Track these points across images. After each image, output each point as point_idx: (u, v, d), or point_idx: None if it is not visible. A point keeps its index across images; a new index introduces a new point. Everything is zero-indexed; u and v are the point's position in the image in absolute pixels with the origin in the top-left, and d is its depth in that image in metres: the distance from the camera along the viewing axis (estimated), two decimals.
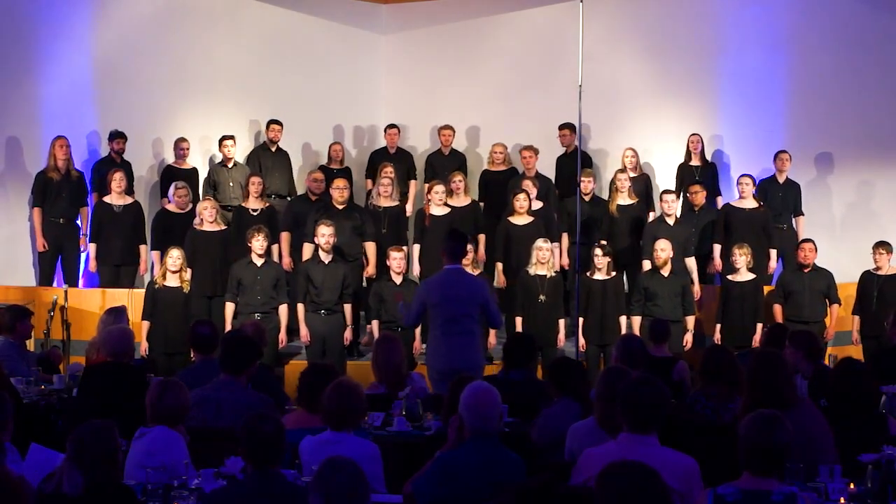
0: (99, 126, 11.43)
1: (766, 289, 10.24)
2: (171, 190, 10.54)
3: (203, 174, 11.69)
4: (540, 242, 9.66)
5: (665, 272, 9.77)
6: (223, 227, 10.14)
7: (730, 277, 10.01)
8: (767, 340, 8.04)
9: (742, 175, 10.91)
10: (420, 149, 12.93)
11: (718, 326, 9.93)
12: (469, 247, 9.58)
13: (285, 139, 12.00)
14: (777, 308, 10.00)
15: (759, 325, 9.82)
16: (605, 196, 11.33)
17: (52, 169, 10.47)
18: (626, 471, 3.55)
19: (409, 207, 11.87)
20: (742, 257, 9.85)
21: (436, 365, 7.64)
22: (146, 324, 9.43)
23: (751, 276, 9.93)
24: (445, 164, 11.98)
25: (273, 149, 11.88)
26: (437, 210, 10.48)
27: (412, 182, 12.17)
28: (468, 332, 7.63)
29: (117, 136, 10.99)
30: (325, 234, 9.47)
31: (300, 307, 9.53)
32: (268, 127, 11.89)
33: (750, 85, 12.01)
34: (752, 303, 9.91)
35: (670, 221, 10.37)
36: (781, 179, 11.12)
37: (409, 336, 9.48)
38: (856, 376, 5.56)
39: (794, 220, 11.13)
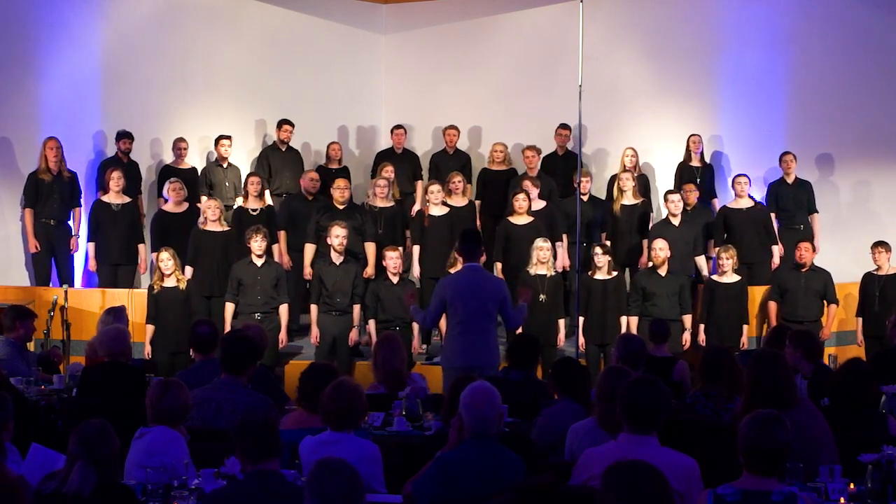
0: (101, 126, 11.43)
1: (758, 290, 10.22)
2: (166, 186, 10.51)
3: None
4: (540, 242, 9.65)
5: (662, 272, 9.77)
6: (226, 228, 10.12)
7: (715, 278, 10.02)
8: (769, 341, 8.03)
9: (738, 175, 10.91)
10: (421, 149, 12.91)
11: (702, 326, 9.92)
12: None
13: None
14: (772, 305, 10.02)
15: (745, 327, 9.87)
16: (601, 196, 11.32)
17: (43, 170, 10.42)
18: (631, 469, 3.55)
19: (416, 208, 11.84)
20: (728, 259, 9.87)
21: (453, 363, 7.60)
22: (150, 328, 9.40)
23: (736, 277, 9.93)
24: (450, 163, 11.95)
25: (283, 149, 11.86)
26: (436, 210, 10.47)
27: (419, 183, 12.12)
28: (484, 330, 7.63)
29: (124, 136, 10.98)
30: (339, 235, 9.48)
31: (313, 308, 9.57)
32: (279, 127, 11.87)
33: (750, 85, 12.01)
34: (737, 304, 9.92)
35: (675, 222, 10.37)
36: (790, 180, 11.12)
37: (409, 335, 9.47)
38: (857, 376, 5.56)
39: (809, 218, 11.11)
